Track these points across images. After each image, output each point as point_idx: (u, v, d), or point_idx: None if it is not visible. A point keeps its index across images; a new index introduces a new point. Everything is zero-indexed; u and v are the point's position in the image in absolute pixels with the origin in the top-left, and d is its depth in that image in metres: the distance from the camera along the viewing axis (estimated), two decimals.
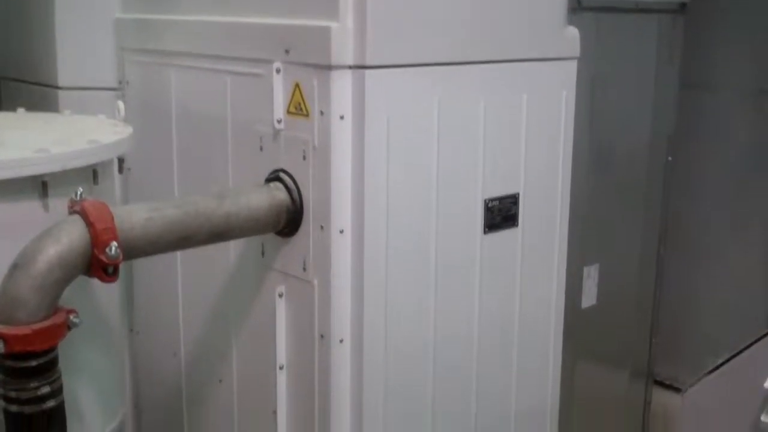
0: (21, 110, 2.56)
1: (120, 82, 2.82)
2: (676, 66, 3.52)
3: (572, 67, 2.56)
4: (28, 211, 1.95)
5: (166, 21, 2.62)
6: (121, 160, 2.27)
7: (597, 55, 3.04)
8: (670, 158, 3.57)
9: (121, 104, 2.44)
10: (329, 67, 2.05)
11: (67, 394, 1.83)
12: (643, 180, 3.52)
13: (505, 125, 2.39)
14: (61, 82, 2.90)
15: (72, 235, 1.79)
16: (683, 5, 3.47)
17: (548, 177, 2.55)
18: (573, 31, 2.55)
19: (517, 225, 2.46)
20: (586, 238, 3.18)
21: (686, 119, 3.68)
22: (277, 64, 2.16)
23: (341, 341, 2.17)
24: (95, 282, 1.85)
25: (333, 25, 2.04)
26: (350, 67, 2.06)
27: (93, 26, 2.86)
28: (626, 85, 3.32)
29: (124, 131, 2.26)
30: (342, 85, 2.06)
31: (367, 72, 2.06)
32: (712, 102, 3.83)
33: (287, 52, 2.14)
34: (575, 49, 2.55)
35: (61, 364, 1.80)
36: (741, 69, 3.78)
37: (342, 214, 2.11)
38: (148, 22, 2.70)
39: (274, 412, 2.32)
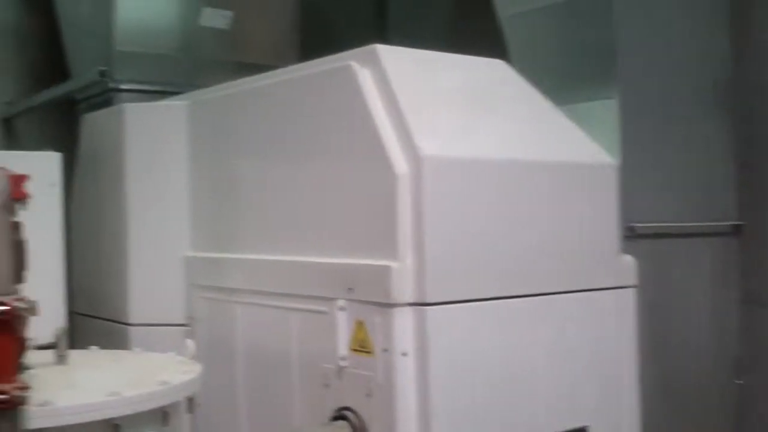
0: (93, 348, 2.65)
1: (188, 318, 2.92)
2: (733, 287, 3.52)
3: (630, 295, 2.59)
4: None
5: (233, 260, 2.74)
6: (190, 400, 2.30)
7: (654, 282, 3.07)
8: (740, 381, 3.50)
9: (190, 342, 2.52)
10: (391, 305, 2.11)
11: None
12: (713, 407, 3.44)
13: (565, 356, 2.40)
14: (131, 319, 3.01)
15: None
16: (738, 227, 3.52)
17: (615, 408, 2.52)
18: (629, 260, 2.60)
19: None
20: None
21: (754, 339, 3.62)
22: (340, 302, 2.23)
23: None
24: None
25: (393, 264, 2.12)
26: (411, 305, 2.12)
27: (163, 265, 3.00)
28: (685, 309, 3.33)
29: (194, 370, 2.32)
30: (404, 322, 2.11)
31: (429, 309, 2.12)
32: None
33: (350, 290, 2.22)
34: (632, 278, 2.59)
35: None
36: None
37: None
38: (216, 260, 2.83)
39: None
